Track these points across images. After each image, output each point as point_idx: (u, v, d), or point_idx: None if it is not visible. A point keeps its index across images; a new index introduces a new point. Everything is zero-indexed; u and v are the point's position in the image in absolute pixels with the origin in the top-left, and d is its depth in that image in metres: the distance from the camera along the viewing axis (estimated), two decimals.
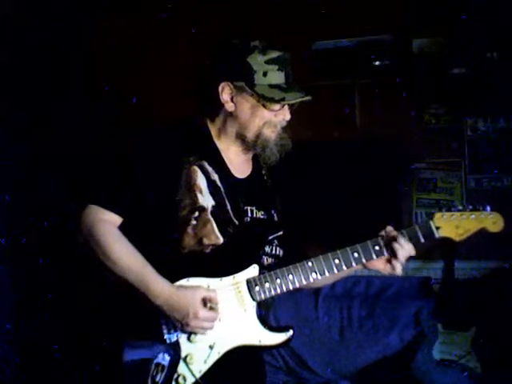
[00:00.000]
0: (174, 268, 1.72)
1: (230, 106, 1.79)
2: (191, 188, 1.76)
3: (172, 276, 1.70)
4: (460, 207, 1.80)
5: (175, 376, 1.69)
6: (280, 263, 1.84)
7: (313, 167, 3.24)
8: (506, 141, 3.37)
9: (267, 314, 1.87)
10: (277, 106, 1.78)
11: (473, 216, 1.78)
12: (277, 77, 1.77)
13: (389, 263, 1.81)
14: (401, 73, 3.44)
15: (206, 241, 1.76)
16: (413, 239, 1.79)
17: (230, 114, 1.81)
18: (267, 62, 1.76)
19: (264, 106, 1.77)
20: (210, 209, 1.77)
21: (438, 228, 1.79)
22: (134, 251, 1.71)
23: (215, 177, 1.81)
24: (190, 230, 1.75)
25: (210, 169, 1.80)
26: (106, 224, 1.71)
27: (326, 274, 1.78)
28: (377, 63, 3.49)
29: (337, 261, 1.78)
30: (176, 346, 1.70)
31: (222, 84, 1.78)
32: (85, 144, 3.46)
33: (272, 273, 1.77)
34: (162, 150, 1.76)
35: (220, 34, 1.94)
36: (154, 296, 1.66)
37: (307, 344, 2.99)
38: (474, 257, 3.27)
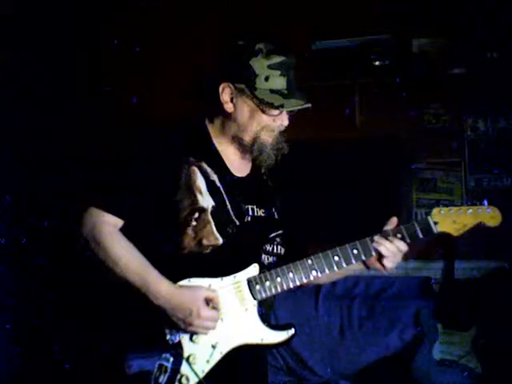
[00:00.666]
0: (175, 269, 1.72)
1: (229, 107, 1.79)
2: (191, 189, 1.77)
3: (173, 277, 1.71)
4: (458, 203, 1.82)
5: (178, 376, 1.69)
6: (281, 262, 1.84)
7: (313, 167, 3.24)
8: (506, 141, 3.37)
9: (269, 313, 1.87)
10: (275, 112, 1.78)
11: (470, 211, 1.79)
12: (278, 82, 1.76)
13: (379, 260, 1.82)
14: (401, 73, 3.44)
15: (205, 242, 1.76)
16: (412, 235, 1.80)
17: (229, 116, 1.81)
18: (270, 67, 1.75)
19: (262, 111, 1.77)
20: (210, 209, 1.78)
21: (435, 223, 1.80)
22: (136, 252, 1.71)
23: (214, 177, 1.81)
24: (190, 231, 1.75)
25: (208, 169, 1.81)
26: (107, 226, 1.71)
27: (326, 271, 1.79)
28: (377, 63, 3.48)
29: (336, 258, 1.79)
30: (178, 347, 1.71)
31: (223, 84, 1.78)
32: (84, 144, 3.46)
33: (272, 271, 1.78)
34: (161, 151, 1.76)
35: (220, 34, 1.94)
36: (156, 296, 1.67)
37: (307, 344, 2.99)
38: (473, 257, 3.27)
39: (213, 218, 1.77)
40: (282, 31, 2.96)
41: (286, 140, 1.84)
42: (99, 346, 1.77)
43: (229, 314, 1.74)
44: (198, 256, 1.76)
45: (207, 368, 1.71)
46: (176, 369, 1.69)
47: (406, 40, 3.45)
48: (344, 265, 1.79)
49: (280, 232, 1.91)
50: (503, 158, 3.36)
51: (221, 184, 1.81)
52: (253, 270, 1.78)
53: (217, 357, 1.72)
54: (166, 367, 1.68)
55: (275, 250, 1.90)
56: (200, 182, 1.78)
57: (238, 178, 1.87)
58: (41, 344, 3.16)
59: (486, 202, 1.79)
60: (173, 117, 1.83)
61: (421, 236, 1.80)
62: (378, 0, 3.44)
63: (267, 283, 1.77)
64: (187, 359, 1.70)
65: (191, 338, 1.71)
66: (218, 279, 1.75)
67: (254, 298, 1.76)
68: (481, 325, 2.94)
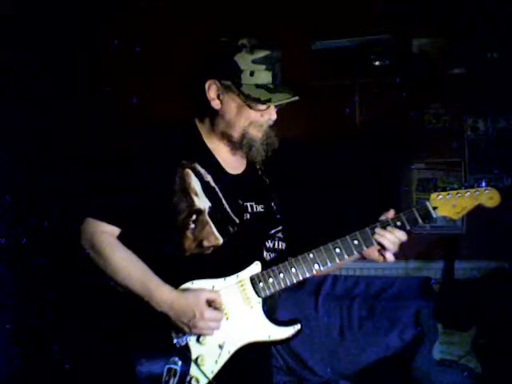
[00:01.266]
0: (177, 272, 1.72)
1: (216, 104, 1.78)
2: (186, 191, 1.76)
3: (176, 280, 1.71)
4: (455, 186, 1.80)
5: (188, 379, 1.69)
6: (283, 258, 1.83)
7: (313, 167, 3.24)
8: (506, 141, 3.37)
9: (274, 309, 1.87)
10: (263, 106, 1.76)
11: (468, 193, 1.78)
12: (264, 76, 1.75)
13: (380, 252, 1.82)
14: (401, 73, 3.44)
15: (205, 243, 1.76)
16: (411, 221, 1.78)
17: (217, 113, 1.80)
18: (254, 62, 1.73)
19: (249, 107, 1.76)
20: (207, 210, 1.77)
21: (434, 208, 1.78)
22: (136, 260, 1.71)
23: (208, 178, 1.80)
24: (189, 233, 1.75)
25: (202, 170, 1.80)
26: (105, 235, 1.72)
27: (329, 264, 1.78)
28: (377, 63, 3.48)
29: (338, 250, 1.78)
30: (186, 349, 1.71)
31: (209, 81, 1.77)
32: (84, 144, 3.46)
33: (275, 268, 1.77)
34: (153, 157, 1.75)
35: (218, 34, 1.94)
36: (159, 303, 1.67)
37: (307, 344, 2.99)
38: (473, 257, 3.27)
39: (211, 218, 1.77)
40: (282, 31, 2.99)
41: (276, 134, 1.82)
42: (106, 352, 1.77)
43: (234, 313, 1.74)
44: (199, 257, 1.75)
45: (216, 368, 1.72)
46: (185, 371, 1.69)
47: (406, 40, 3.45)
48: (346, 256, 1.78)
49: (280, 228, 1.91)
50: (503, 158, 3.36)
51: (216, 184, 1.80)
52: (255, 267, 1.78)
53: (225, 357, 1.72)
54: (175, 370, 1.68)
55: (276, 246, 1.90)
56: (195, 183, 1.77)
57: (233, 175, 1.86)
58: (41, 344, 3.16)
59: (483, 184, 1.78)
60: (173, 117, 1.83)
61: (420, 222, 1.78)
62: (378, 0, 3.44)
63: (270, 280, 1.76)
64: (195, 361, 1.70)
65: (198, 340, 1.71)
66: (221, 279, 1.75)
67: (259, 296, 1.76)
68: (481, 325, 2.94)
